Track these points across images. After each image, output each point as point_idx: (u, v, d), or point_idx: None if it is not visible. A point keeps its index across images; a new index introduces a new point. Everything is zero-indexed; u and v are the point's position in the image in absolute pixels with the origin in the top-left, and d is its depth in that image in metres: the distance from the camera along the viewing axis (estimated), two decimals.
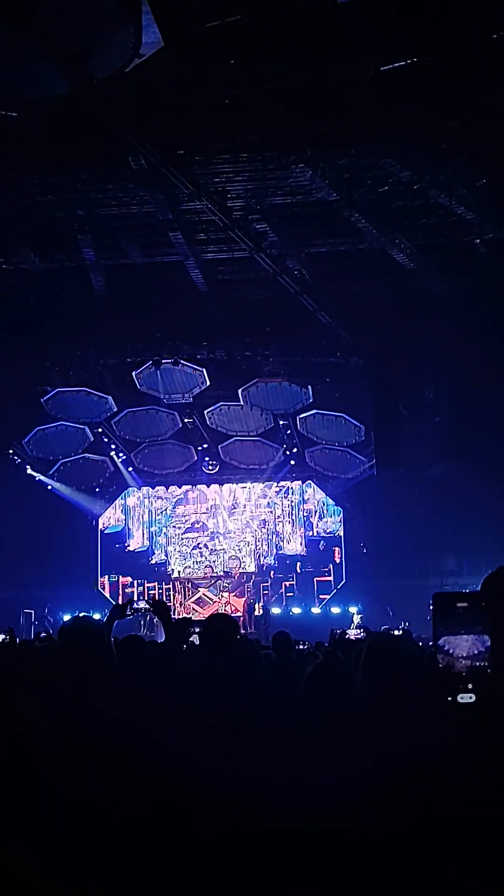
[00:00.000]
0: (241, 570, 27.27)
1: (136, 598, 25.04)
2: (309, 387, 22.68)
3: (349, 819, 2.27)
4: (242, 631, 9.70)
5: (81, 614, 18.13)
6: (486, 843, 2.04)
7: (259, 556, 27.77)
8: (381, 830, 2.20)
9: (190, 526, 28.49)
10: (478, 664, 2.16)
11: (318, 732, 3.08)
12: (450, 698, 2.14)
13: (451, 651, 2.17)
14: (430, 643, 2.34)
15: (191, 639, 5.99)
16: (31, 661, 7.78)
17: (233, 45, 11.64)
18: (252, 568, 27.47)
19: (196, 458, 26.45)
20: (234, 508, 28.30)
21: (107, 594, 27.46)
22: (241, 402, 23.41)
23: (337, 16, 11.17)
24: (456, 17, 11.02)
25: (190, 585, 27.04)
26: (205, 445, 26.01)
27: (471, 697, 2.14)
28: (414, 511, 23.31)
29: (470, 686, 2.14)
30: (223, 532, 28.21)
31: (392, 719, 2.75)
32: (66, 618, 23.90)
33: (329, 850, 2.21)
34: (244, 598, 26.23)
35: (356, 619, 22.21)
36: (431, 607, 2.20)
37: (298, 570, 26.93)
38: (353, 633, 12.93)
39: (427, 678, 2.42)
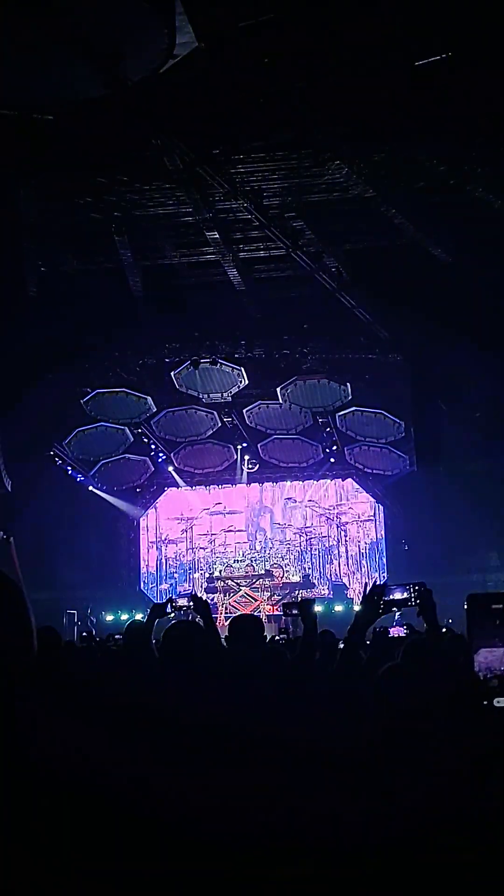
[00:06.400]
0: (283, 580, 27.19)
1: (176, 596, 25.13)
2: (348, 384, 22.62)
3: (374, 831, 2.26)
4: (283, 634, 9.66)
5: (138, 616, 18.26)
6: None
7: (307, 569, 27.79)
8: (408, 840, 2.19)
9: (230, 525, 28.57)
10: None
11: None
12: (485, 702, 2.12)
13: (487, 659, 2.15)
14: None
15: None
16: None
17: (266, 43, 11.63)
18: (296, 578, 27.44)
19: (236, 457, 26.50)
20: (280, 513, 28.37)
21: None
22: (280, 401, 23.40)
23: (371, 12, 11.13)
24: (489, 10, 10.92)
25: (232, 584, 27.07)
26: (244, 444, 26.05)
27: None
28: (455, 507, 23.19)
29: None
30: (266, 534, 28.27)
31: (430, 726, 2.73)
32: (109, 618, 24.15)
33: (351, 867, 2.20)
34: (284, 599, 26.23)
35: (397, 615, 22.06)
36: (466, 609, 2.18)
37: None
38: (395, 630, 12.82)
39: (462, 681, 2.40)
